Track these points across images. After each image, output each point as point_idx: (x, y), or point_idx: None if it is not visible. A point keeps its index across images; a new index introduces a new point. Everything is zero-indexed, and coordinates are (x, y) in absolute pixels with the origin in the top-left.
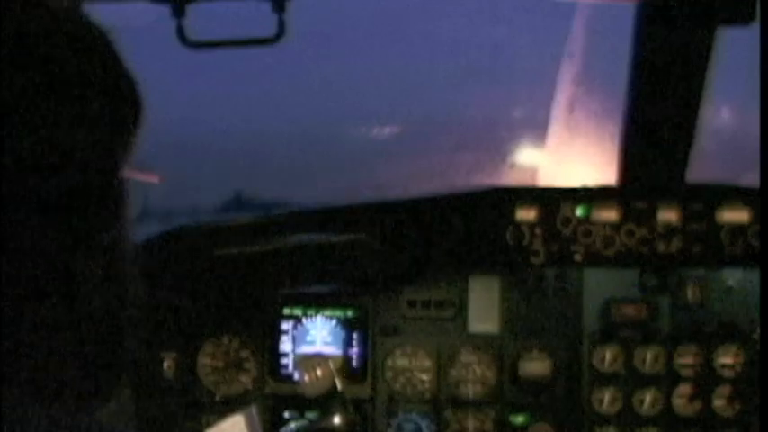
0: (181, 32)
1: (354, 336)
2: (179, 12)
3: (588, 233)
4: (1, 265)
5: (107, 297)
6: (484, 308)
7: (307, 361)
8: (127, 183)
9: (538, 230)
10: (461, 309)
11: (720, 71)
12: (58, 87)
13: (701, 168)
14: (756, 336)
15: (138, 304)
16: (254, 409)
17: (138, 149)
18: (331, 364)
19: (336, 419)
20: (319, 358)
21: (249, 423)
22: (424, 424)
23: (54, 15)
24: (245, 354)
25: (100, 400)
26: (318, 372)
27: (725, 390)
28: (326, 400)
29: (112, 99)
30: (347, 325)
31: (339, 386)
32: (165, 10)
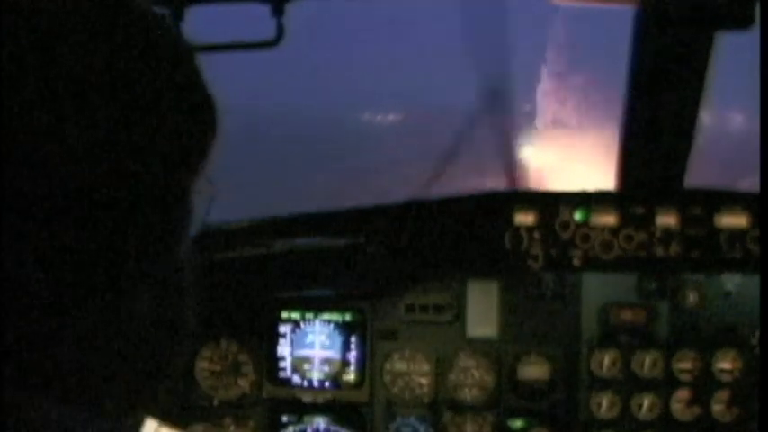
0: (179, 36)
1: (353, 340)
2: (178, 16)
3: (587, 237)
4: (63, 272)
5: (165, 308)
6: (482, 312)
7: None
8: (192, 195)
9: (536, 235)
10: (460, 313)
11: (732, 76)
12: (138, 96)
13: (719, 172)
14: (755, 340)
15: (190, 316)
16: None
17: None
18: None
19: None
20: None
21: None
22: (422, 428)
23: (144, 23)
24: (243, 358)
25: (143, 407)
26: None
27: (723, 395)
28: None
29: (190, 113)
30: (345, 329)
31: None
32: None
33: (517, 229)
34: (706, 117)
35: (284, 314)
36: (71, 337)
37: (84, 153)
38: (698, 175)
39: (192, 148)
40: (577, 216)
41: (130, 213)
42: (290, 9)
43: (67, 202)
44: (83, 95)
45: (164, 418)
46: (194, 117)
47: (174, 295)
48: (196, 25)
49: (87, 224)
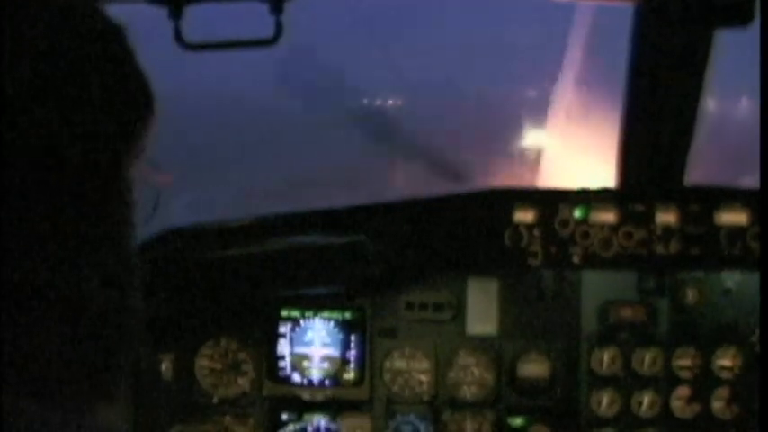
0: (178, 34)
1: (352, 338)
2: (176, 14)
3: (586, 235)
4: (4, 265)
5: (110, 299)
6: (482, 310)
7: None
8: (133, 182)
9: (536, 232)
10: (459, 310)
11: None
12: (66, 81)
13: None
14: (755, 338)
15: (140, 306)
16: None
17: (149, 149)
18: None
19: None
20: None
21: None
22: (422, 426)
23: (69, 7)
24: (242, 356)
25: (100, 401)
26: None
27: (723, 392)
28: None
29: (123, 96)
30: (345, 327)
31: None
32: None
33: (517, 226)
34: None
35: (284, 312)
36: (20, 327)
37: (12, 136)
38: (710, 165)
39: (124, 130)
40: (577, 213)
41: (69, 198)
42: (288, 7)
43: (8, 188)
44: (7, 76)
45: (162, 418)
46: (124, 97)
47: (121, 285)
48: (195, 23)
49: (26, 211)
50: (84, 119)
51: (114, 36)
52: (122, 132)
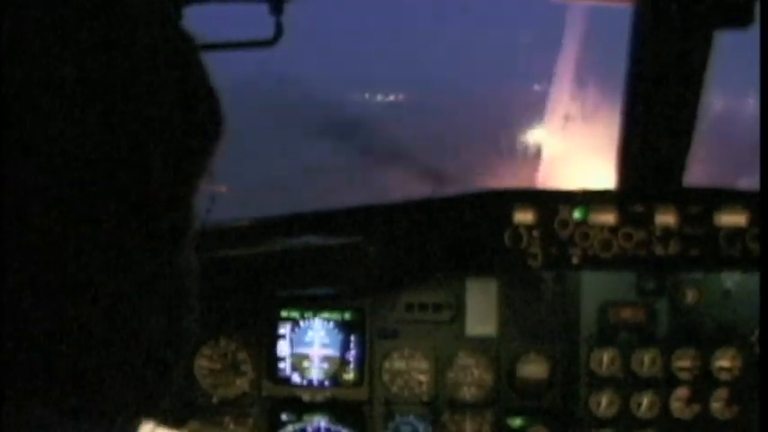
0: None
1: (352, 338)
2: (175, 14)
3: (586, 236)
4: (64, 280)
5: (171, 316)
6: (481, 311)
7: None
8: (196, 197)
9: (535, 233)
10: (459, 311)
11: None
12: (137, 91)
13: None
14: (754, 339)
15: (194, 328)
16: None
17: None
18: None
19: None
20: None
21: None
22: (421, 427)
23: (143, 15)
24: (242, 356)
25: (151, 410)
26: None
27: (722, 393)
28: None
29: (192, 109)
30: (345, 327)
31: None
32: None
33: (516, 227)
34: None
35: (283, 313)
36: (74, 342)
37: (83, 156)
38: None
39: (197, 149)
40: (576, 214)
41: (134, 216)
42: (288, 8)
43: (69, 204)
44: (77, 95)
45: (162, 417)
46: (198, 116)
47: (180, 303)
48: (194, 23)
49: (90, 226)
50: (160, 138)
51: (191, 48)
52: (197, 152)
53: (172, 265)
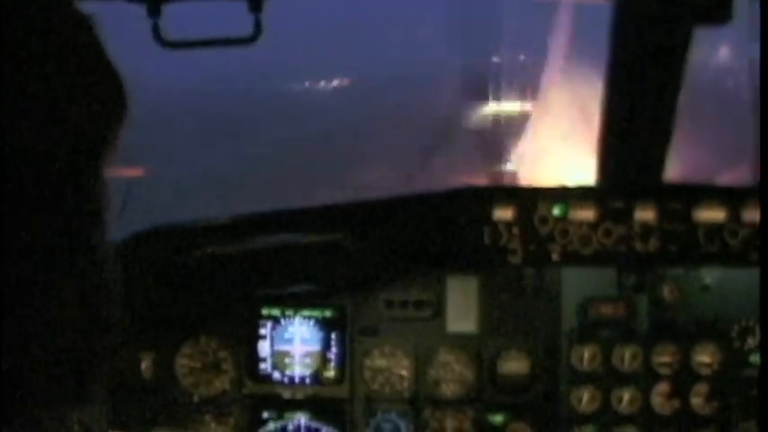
0: (157, 32)
1: (333, 336)
2: (155, 12)
3: (565, 232)
4: None
5: (87, 298)
6: (462, 307)
7: None
8: (108, 179)
9: (515, 230)
10: (439, 309)
11: None
12: (38, 76)
13: None
14: (734, 333)
15: (116, 310)
16: None
17: (122, 144)
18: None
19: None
20: None
21: None
22: (402, 424)
23: (37, 5)
24: (223, 354)
25: (77, 402)
26: None
27: (702, 388)
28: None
29: (95, 91)
30: (325, 325)
31: None
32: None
33: (496, 224)
34: None
35: (264, 311)
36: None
37: None
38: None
39: (101, 130)
40: (556, 211)
41: (43, 199)
42: (267, 6)
43: None
44: None
45: (142, 417)
46: (100, 97)
47: (97, 292)
48: (174, 21)
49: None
50: (60, 115)
51: (86, 25)
52: (99, 129)
53: (86, 252)
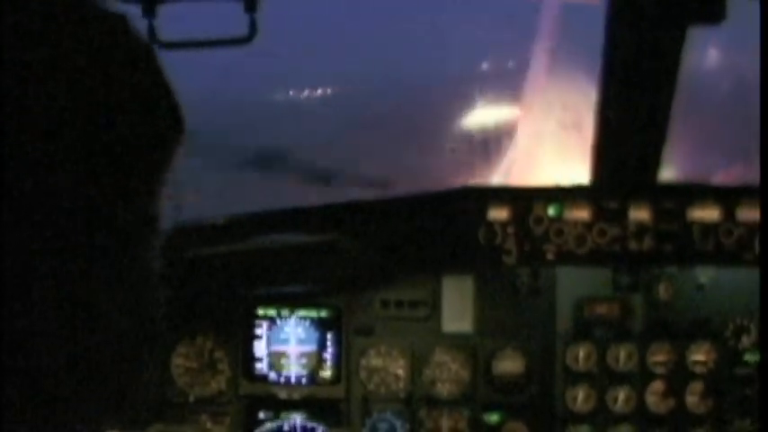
0: (152, 33)
1: (328, 336)
2: (150, 12)
3: (560, 232)
4: (31, 288)
5: (137, 313)
6: (457, 307)
7: None
8: (160, 205)
9: (510, 230)
10: (435, 308)
11: None
12: (98, 100)
13: None
14: (728, 332)
15: (160, 331)
16: None
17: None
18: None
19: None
20: None
21: None
22: (398, 423)
23: (102, 24)
24: (219, 354)
25: (116, 415)
26: None
27: (697, 387)
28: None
29: (153, 117)
30: (321, 325)
31: None
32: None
33: (491, 224)
34: None
35: (260, 311)
36: (33, 348)
37: (44, 161)
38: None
39: (158, 153)
40: (551, 211)
41: (98, 216)
42: (263, 5)
43: (33, 205)
44: (34, 102)
45: (137, 417)
46: (159, 121)
47: (145, 300)
48: (168, 22)
49: (54, 228)
50: (118, 140)
51: (145, 53)
52: (158, 154)
53: (137, 266)
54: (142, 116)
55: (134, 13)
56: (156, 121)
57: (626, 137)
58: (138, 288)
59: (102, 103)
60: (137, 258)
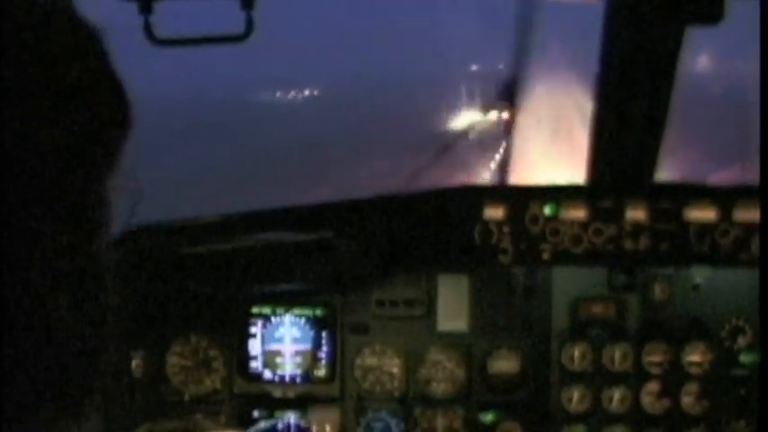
0: (149, 30)
1: (323, 335)
2: (146, 9)
3: (556, 232)
4: None
5: (85, 311)
6: (453, 306)
7: None
8: (109, 193)
9: (506, 229)
10: (430, 307)
11: None
12: (37, 87)
13: None
14: (724, 333)
15: (114, 325)
16: None
17: (125, 157)
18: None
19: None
20: None
21: None
22: (393, 423)
23: (42, 7)
24: (213, 353)
25: (74, 418)
26: None
27: (692, 387)
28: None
29: (97, 103)
30: (316, 324)
31: None
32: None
33: (487, 223)
34: None
35: (255, 309)
36: None
37: None
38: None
39: (103, 141)
40: (547, 210)
41: (41, 208)
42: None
43: None
44: None
45: (133, 416)
46: (103, 107)
47: (93, 293)
48: (166, 19)
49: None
50: (61, 125)
51: (91, 35)
52: (101, 140)
53: (87, 261)
54: (84, 101)
55: (130, 10)
56: (99, 107)
57: (622, 136)
58: (87, 281)
59: (41, 85)
60: (87, 248)
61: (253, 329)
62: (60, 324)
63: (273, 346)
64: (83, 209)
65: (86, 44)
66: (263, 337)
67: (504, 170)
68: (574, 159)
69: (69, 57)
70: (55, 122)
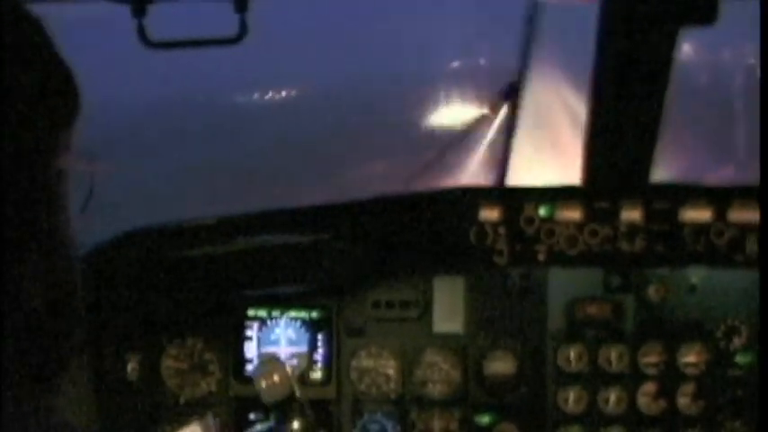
0: (142, 32)
1: (319, 337)
2: (140, 12)
3: (552, 233)
4: None
5: (48, 289)
6: (448, 308)
7: (263, 366)
8: (64, 173)
9: (501, 230)
10: (426, 309)
11: None
12: None
13: None
14: (720, 333)
15: (79, 300)
16: (210, 418)
17: (77, 138)
18: (289, 370)
19: (296, 425)
20: (276, 363)
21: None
22: (389, 425)
23: None
24: (209, 356)
25: (46, 384)
26: (276, 378)
27: (689, 388)
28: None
29: (46, 88)
30: (312, 326)
31: (297, 392)
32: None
33: (482, 224)
34: None
35: (251, 312)
36: None
37: None
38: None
39: (50, 120)
40: (542, 211)
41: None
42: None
43: None
44: None
45: (128, 419)
46: (49, 86)
47: (58, 270)
48: (159, 21)
49: None
50: (10, 108)
51: (36, 25)
52: (48, 122)
53: (42, 243)
54: (37, 85)
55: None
56: (51, 89)
57: (618, 138)
58: (50, 254)
59: None
60: (41, 231)
61: (248, 332)
62: (23, 301)
63: (269, 349)
64: (39, 186)
65: (30, 31)
66: (258, 339)
67: (500, 171)
68: (564, 160)
69: (20, 42)
70: (7, 106)
